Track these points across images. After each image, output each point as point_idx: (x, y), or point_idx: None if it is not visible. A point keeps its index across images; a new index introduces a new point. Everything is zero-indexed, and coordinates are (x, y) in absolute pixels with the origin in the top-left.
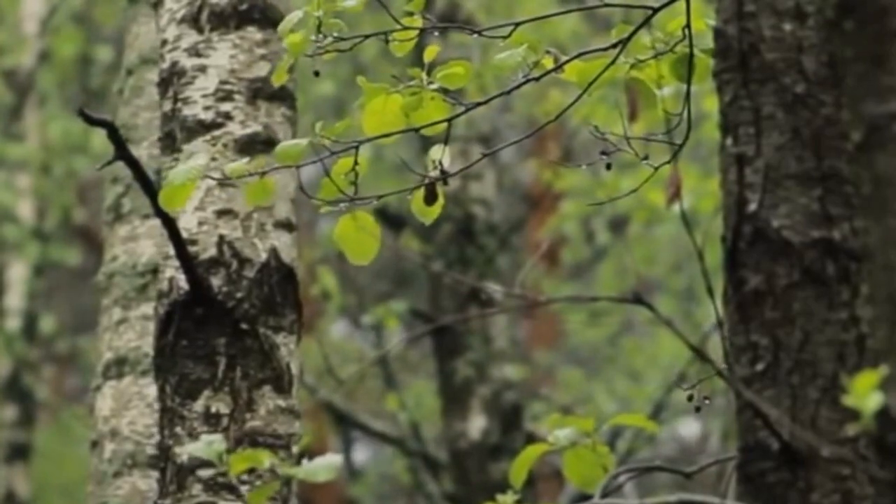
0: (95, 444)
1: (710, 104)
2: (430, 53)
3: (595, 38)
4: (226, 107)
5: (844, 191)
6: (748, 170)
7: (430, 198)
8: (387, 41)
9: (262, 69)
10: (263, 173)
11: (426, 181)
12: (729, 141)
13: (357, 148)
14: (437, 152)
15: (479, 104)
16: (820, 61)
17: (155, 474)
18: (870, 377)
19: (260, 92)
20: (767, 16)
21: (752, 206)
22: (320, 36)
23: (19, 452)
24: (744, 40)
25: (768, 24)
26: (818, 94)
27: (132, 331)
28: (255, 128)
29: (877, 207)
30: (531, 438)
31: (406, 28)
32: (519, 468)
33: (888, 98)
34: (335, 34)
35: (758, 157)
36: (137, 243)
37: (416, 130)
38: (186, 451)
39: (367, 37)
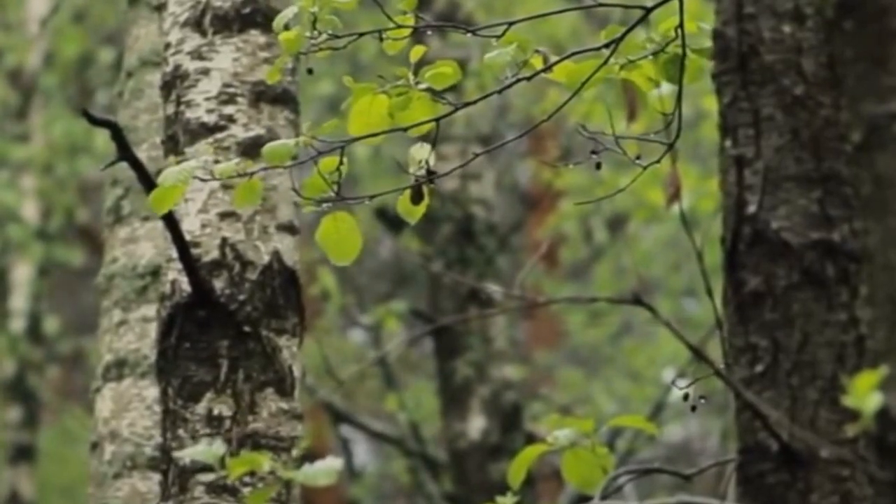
0: (95, 446)
1: (709, 103)
2: (416, 53)
3: (593, 37)
4: (228, 110)
5: (844, 192)
6: (747, 171)
7: (416, 197)
8: (381, 39)
9: (264, 72)
10: (253, 174)
11: (414, 181)
12: (728, 142)
13: (343, 148)
14: (420, 152)
15: (467, 104)
16: (819, 63)
17: (155, 476)
18: (870, 377)
19: (263, 95)
20: (767, 17)
21: (752, 208)
22: (315, 33)
23: (23, 453)
24: (743, 42)
25: (768, 26)
26: (817, 96)
27: (132, 333)
28: (257, 131)
29: (877, 208)
30: (531, 439)
31: (400, 27)
32: (517, 468)
33: (888, 98)
34: (330, 31)
35: (757, 158)
36: (137, 245)
37: (403, 130)
38: (186, 455)
39: (361, 35)
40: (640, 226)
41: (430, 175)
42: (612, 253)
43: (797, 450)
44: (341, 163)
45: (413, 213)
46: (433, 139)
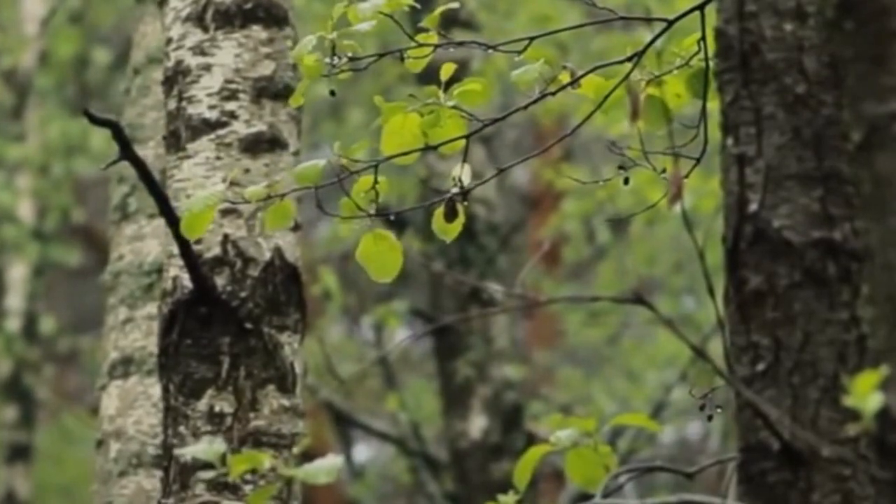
0: (101, 444)
1: (711, 104)
2: (446, 71)
3: (596, 38)
4: (230, 106)
5: (845, 191)
6: (749, 170)
7: (451, 214)
8: (402, 59)
9: (266, 68)
10: (283, 195)
11: (448, 199)
12: (730, 141)
13: (377, 167)
14: (457, 170)
15: (495, 121)
16: (821, 61)
17: (160, 474)
18: (870, 377)
19: (265, 91)
20: (768, 16)
21: (753, 207)
22: (335, 58)
23: (20, 453)
24: (745, 40)
25: (769, 24)
26: (819, 95)
27: (138, 330)
28: (259, 127)
29: (876, 207)
30: (531, 438)
31: (420, 45)
32: (523, 469)
33: (888, 98)
34: (349, 55)
35: (759, 157)
36: (143, 243)
37: (435, 148)
38: (187, 453)
39: (381, 56)
40: (645, 226)
41: (463, 192)
42: (614, 253)
43: (798, 449)
44: (376, 181)
45: (449, 231)
46: (464, 156)
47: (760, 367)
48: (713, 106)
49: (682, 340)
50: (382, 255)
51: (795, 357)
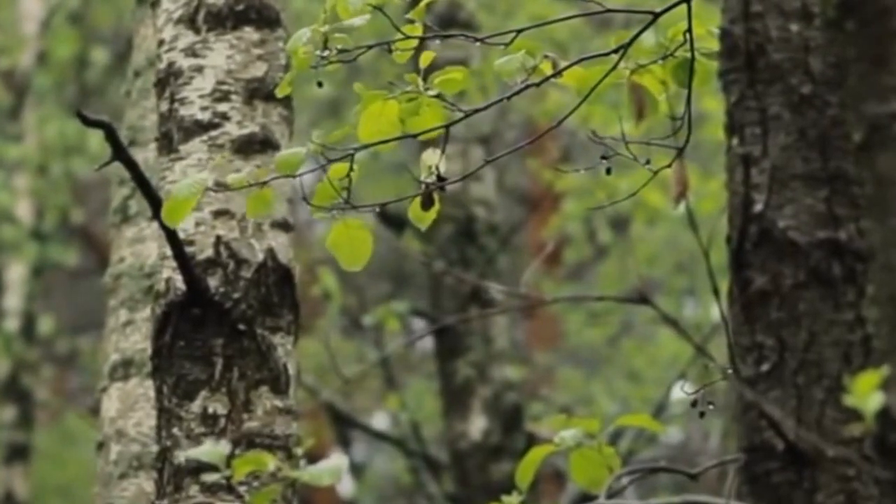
0: (101, 446)
1: (710, 104)
2: (425, 59)
3: (595, 38)
4: (223, 107)
5: (850, 191)
6: (754, 170)
7: (427, 203)
8: (390, 50)
9: (258, 69)
10: (264, 183)
11: (425, 187)
12: (735, 141)
13: (353, 155)
14: (432, 157)
15: (476, 110)
16: (826, 62)
17: None
18: (871, 377)
19: (257, 92)
20: (774, 16)
21: (758, 207)
22: (326, 51)
23: (18, 453)
24: (750, 40)
25: (775, 25)
26: (824, 95)
27: (138, 332)
28: (251, 128)
29: (878, 208)
30: (532, 439)
31: (408, 37)
32: (525, 470)
33: (889, 98)
34: (339, 47)
35: (764, 157)
36: (144, 245)
37: (414, 137)
38: (187, 454)
39: (369, 47)
40: (645, 226)
41: (441, 181)
42: (616, 253)
43: (803, 449)
44: (351, 169)
45: (424, 219)
46: (443, 145)
47: (765, 367)
48: (713, 105)
49: (686, 339)
50: (353, 243)
51: (800, 357)
